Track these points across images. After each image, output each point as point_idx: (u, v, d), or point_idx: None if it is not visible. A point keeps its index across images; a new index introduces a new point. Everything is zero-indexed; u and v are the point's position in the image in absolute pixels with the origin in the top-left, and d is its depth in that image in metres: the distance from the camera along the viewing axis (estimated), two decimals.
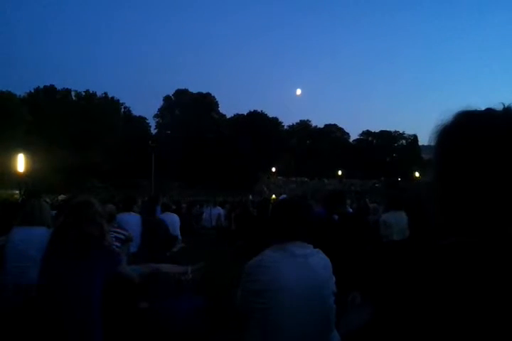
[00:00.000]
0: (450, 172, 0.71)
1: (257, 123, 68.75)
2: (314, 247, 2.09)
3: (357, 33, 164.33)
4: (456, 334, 0.62)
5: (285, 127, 78.35)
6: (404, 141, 79.86)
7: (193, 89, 72.09)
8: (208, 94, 72.43)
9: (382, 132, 78.99)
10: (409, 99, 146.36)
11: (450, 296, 0.63)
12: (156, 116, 71.68)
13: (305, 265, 1.96)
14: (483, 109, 0.73)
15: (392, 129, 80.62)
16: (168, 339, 3.06)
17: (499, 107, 0.72)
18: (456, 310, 0.63)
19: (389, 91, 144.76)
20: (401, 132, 79.71)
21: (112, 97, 65.02)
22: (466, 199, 0.68)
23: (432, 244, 0.71)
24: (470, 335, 0.61)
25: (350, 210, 4.38)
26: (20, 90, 69.25)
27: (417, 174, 60.31)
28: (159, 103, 72.40)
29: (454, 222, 0.71)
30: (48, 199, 13.51)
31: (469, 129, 0.70)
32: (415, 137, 77.98)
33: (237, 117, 73.88)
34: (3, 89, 48.37)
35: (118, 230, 4.27)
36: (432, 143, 0.76)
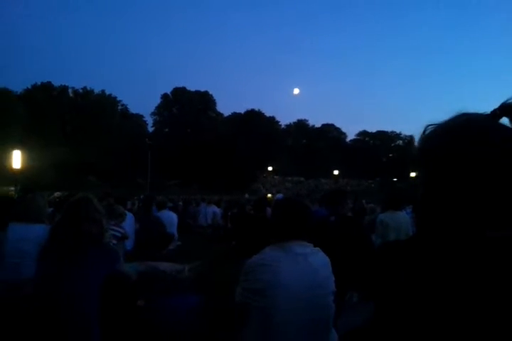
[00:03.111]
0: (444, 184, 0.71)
1: (254, 122, 68.72)
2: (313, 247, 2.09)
3: (356, 33, 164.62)
4: None
5: (282, 126, 78.39)
6: (400, 142, 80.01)
7: (191, 87, 72.00)
8: (206, 93, 72.27)
9: (379, 132, 79.14)
10: (407, 100, 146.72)
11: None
12: (153, 113, 71.44)
13: (305, 264, 1.96)
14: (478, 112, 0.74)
15: (389, 130, 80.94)
16: (163, 337, 3.06)
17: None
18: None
19: (386, 91, 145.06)
20: (398, 132, 79.97)
21: (110, 94, 64.81)
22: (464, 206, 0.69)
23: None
24: None
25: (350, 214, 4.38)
26: (17, 87, 68.67)
27: (412, 174, 60.60)
28: (157, 101, 72.20)
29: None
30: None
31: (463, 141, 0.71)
32: (412, 138, 78.05)
33: (235, 116, 73.80)
34: (0, 86, 48.19)
35: (114, 227, 4.27)
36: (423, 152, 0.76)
